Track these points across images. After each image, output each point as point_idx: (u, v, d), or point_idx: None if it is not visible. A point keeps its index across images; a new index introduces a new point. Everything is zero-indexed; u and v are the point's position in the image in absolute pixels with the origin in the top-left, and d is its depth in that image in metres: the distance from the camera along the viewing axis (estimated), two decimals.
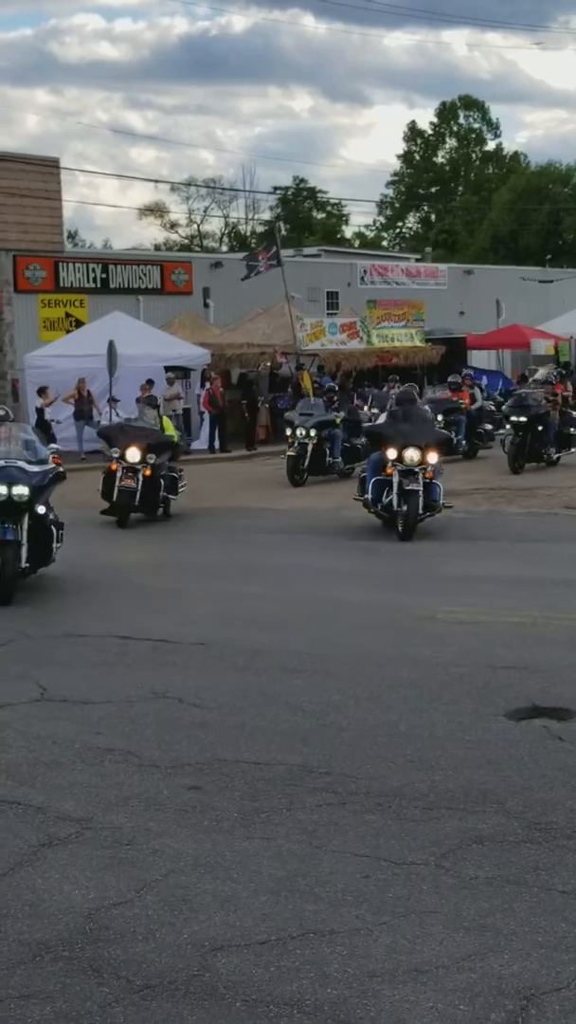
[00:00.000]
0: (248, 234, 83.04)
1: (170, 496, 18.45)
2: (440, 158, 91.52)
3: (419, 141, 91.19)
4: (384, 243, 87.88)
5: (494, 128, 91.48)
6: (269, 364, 33.65)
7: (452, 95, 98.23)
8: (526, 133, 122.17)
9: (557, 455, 24.27)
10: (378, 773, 6.86)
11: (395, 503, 15.57)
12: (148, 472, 17.70)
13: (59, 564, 13.17)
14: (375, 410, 30.42)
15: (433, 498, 15.68)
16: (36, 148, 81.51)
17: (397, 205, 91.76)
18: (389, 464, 15.67)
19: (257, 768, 6.98)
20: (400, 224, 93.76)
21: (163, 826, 6.16)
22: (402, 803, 6.40)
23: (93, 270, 36.33)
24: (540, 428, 23.40)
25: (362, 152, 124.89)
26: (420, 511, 15.53)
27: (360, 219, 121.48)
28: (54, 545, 12.39)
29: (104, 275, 36.42)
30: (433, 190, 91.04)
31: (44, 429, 26.75)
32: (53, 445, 14.40)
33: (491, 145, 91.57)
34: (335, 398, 24.49)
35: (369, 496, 15.88)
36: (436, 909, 5.18)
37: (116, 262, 38.03)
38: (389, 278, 46.65)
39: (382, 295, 42.49)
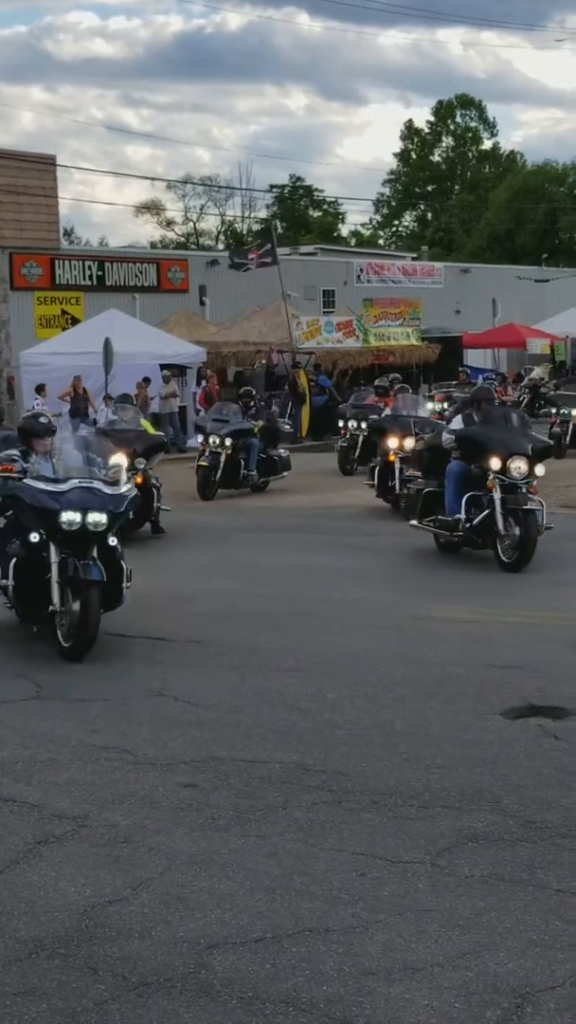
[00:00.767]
0: (244, 232, 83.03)
1: (162, 508, 16.67)
2: (437, 157, 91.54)
3: (416, 140, 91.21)
4: (380, 242, 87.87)
5: (491, 127, 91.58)
6: (264, 362, 33.64)
7: (447, 94, 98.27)
8: (521, 132, 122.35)
9: None
10: (374, 771, 6.87)
11: (500, 525, 13.11)
12: (139, 480, 15.39)
13: None
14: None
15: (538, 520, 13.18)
16: (31, 145, 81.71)
17: (394, 203, 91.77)
18: (491, 478, 13.22)
19: (253, 766, 6.99)
20: (396, 223, 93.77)
21: (159, 824, 6.17)
22: (398, 801, 6.41)
23: (89, 267, 36.29)
24: None
25: (357, 151, 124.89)
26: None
27: (356, 217, 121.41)
28: (124, 585, 9.99)
29: (100, 273, 36.39)
30: (430, 189, 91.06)
31: None
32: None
33: (488, 144, 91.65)
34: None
35: (460, 516, 13.39)
36: (431, 907, 5.19)
37: (112, 260, 37.98)
38: (385, 277, 46.64)
39: (378, 294, 42.47)
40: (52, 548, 9.71)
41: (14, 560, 10.03)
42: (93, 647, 9.59)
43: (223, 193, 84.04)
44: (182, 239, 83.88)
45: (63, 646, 9.64)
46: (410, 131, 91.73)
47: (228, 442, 20.78)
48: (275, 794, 6.55)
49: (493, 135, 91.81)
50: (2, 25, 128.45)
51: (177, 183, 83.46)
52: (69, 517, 9.59)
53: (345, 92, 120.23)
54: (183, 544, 16.10)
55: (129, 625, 10.70)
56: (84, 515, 9.60)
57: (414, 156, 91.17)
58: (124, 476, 10.53)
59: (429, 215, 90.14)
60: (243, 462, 21.20)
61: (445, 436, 14.28)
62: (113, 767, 7.04)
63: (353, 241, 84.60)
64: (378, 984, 4.58)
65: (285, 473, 22.09)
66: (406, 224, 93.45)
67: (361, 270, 45.96)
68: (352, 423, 23.87)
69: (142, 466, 16.02)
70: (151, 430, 18.16)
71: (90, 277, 36.06)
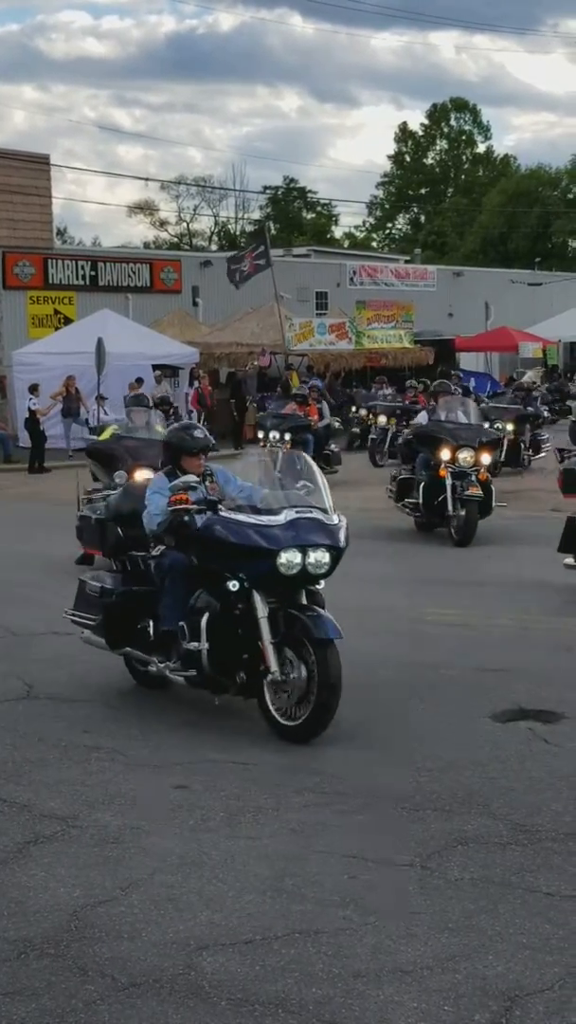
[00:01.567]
0: (237, 233, 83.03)
1: None
2: (431, 160, 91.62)
3: (410, 142, 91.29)
4: (374, 244, 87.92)
5: (485, 130, 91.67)
6: (257, 363, 33.64)
7: (440, 97, 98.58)
8: (514, 136, 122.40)
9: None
10: (364, 774, 6.87)
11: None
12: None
13: (44, 561, 13.12)
14: (362, 411, 30.59)
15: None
16: (23, 144, 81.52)
17: (387, 206, 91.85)
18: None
19: (244, 768, 6.99)
20: (390, 225, 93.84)
21: (149, 825, 6.16)
22: (388, 804, 6.41)
23: (82, 267, 36.25)
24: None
25: (350, 153, 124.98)
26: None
27: (349, 220, 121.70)
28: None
29: (93, 273, 36.34)
30: (423, 191, 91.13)
31: (35, 428, 26.79)
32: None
33: (481, 148, 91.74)
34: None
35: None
36: (421, 910, 5.20)
37: (105, 260, 37.94)
38: (378, 279, 46.65)
39: (371, 296, 42.50)
40: (256, 598, 7.62)
41: (207, 616, 7.79)
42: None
43: (216, 194, 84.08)
44: (175, 240, 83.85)
45: (283, 724, 7.53)
46: (404, 134, 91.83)
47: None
48: (266, 796, 6.55)
49: (487, 138, 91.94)
50: None
51: (171, 183, 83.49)
52: (289, 558, 7.55)
53: (338, 94, 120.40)
54: None
55: None
56: (304, 555, 7.62)
57: (408, 159, 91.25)
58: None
59: (422, 218, 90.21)
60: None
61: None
62: (104, 767, 7.04)
63: (346, 243, 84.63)
64: (367, 986, 4.58)
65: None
66: (399, 227, 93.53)
67: (354, 272, 45.96)
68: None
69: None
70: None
71: (83, 277, 36.02)
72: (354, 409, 31.32)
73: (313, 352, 34.97)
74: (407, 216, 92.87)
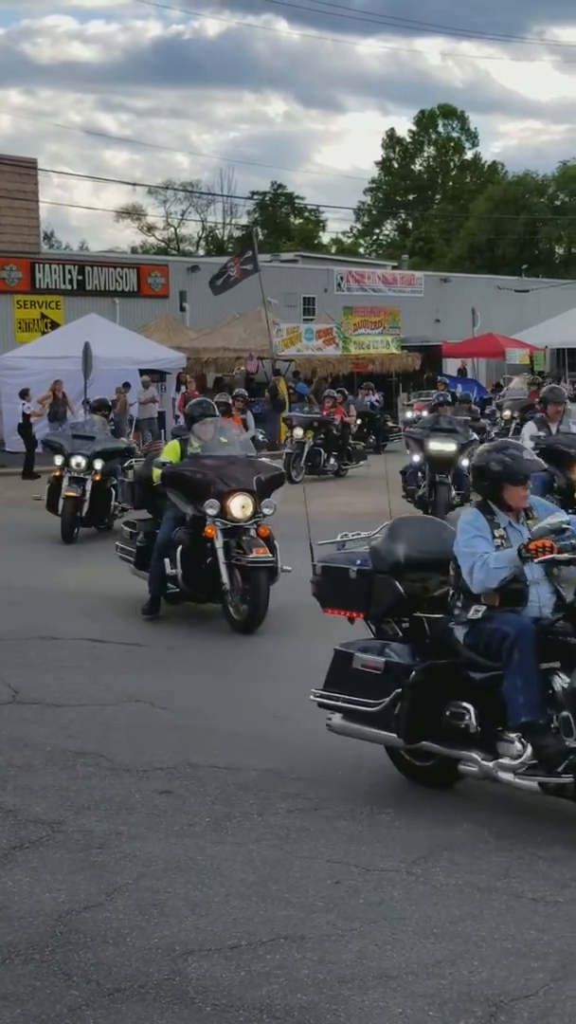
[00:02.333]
0: (225, 238, 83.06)
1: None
2: (418, 166, 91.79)
3: (397, 149, 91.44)
4: (361, 250, 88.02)
5: (472, 137, 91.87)
6: (244, 368, 33.65)
7: (425, 103, 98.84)
8: (500, 143, 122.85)
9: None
10: (350, 779, 6.87)
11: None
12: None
13: (29, 568, 13.11)
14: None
15: None
16: (9, 148, 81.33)
17: (374, 212, 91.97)
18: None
19: (229, 773, 6.98)
20: (377, 231, 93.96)
21: (134, 830, 6.16)
22: (374, 809, 6.41)
23: (69, 272, 36.24)
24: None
25: (336, 158, 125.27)
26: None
27: (336, 225, 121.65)
28: None
29: (80, 277, 36.33)
30: (411, 198, 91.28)
31: (27, 433, 26.72)
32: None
33: (469, 154, 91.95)
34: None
35: None
36: (406, 915, 5.20)
37: (93, 264, 37.93)
38: (366, 285, 46.71)
39: (358, 302, 42.56)
40: None
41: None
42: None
43: (204, 199, 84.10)
44: (163, 244, 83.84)
45: None
46: (392, 140, 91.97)
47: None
48: (251, 801, 6.55)
49: (474, 145, 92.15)
50: None
51: (159, 188, 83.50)
52: None
53: (323, 100, 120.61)
54: None
55: (105, 631, 10.69)
56: None
57: (396, 165, 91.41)
58: None
59: (410, 224, 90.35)
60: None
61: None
62: (89, 773, 7.03)
63: (334, 249, 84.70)
64: (352, 992, 4.58)
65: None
66: (387, 232, 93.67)
67: (342, 278, 46.01)
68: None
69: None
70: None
71: (70, 281, 36.00)
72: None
73: (300, 357, 35.00)
74: (394, 222, 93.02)
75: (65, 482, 16.35)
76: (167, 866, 5.71)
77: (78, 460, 16.34)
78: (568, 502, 12.38)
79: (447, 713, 6.39)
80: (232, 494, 10.71)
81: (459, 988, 4.60)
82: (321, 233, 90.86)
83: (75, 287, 35.90)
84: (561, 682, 6.02)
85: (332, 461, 25.13)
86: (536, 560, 6.15)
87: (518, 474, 6.54)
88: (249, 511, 10.73)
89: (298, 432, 24.80)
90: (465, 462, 16.53)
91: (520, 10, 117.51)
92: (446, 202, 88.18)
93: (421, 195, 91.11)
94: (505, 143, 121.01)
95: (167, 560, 10.98)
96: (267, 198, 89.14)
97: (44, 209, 37.88)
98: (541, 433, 14.10)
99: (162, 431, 29.89)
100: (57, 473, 16.65)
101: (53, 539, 16.00)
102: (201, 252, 79.17)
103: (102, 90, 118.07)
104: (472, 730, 6.30)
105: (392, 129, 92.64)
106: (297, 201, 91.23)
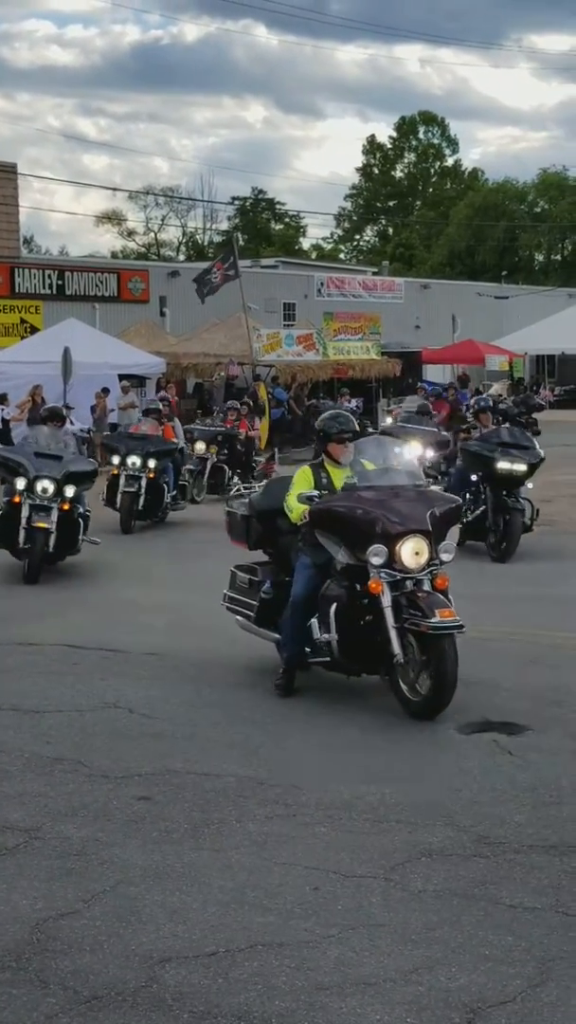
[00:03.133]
0: (206, 244, 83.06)
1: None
2: (399, 172, 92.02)
3: (378, 155, 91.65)
4: (342, 256, 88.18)
5: (453, 144, 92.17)
6: (224, 374, 33.64)
7: (404, 110, 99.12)
8: (479, 150, 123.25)
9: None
10: (328, 785, 6.87)
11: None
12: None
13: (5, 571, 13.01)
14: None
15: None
16: None
17: (355, 218, 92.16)
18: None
19: (207, 779, 6.97)
20: (358, 237, 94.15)
21: (112, 836, 6.14)
22: (352, 816, 6.41)
23: (49, 276, 36.17)
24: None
25: (316, 164, 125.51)
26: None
27: (316, 231, 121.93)
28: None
29: (60, 282, 36.27)
30: (391, 204, 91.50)
31: (5, 438, 26.64)
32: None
33: (450, 161, 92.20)
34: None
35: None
36: (385, 922, 5.20)
37: (73, 269, 37.87)
38: (346, 291, 46.81)
39: (339, 307, 42.63)
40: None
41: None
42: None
43: (184, 204, 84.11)
44: (143, 250, 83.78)
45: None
46: (372, 146, 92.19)
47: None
48: (229, 807, 6.54)
49: (455, 152, 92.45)
50: None
51: (139, 193, 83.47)
52: None
53: (303, 106, 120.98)
54: (140, 555, 16.06)
55: (85, 636, 10.66)
56: None
57: (376, 171, 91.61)
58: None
59: (390, 230, 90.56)
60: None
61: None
62: (67, 779, 7.01)
63: (314, 255, 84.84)
64: (330, 999, 4.58)
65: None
66: (367, 239, 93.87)
67: (322, 284, 46.09)
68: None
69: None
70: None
71: (50, 286, 35.93)
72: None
73: (280, 363, 35.01)
74: (375, 228, 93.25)
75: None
76: (145, 873, 5.70)
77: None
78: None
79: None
80: (403, 536, 8.42)
81: (437, 994, 4.60)
82: (302, 239, 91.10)
83: (55, 292, 35.83)
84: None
85: (236, 479, 21.30)
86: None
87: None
88: (424, 558, 8.43)
89: (200, 447, 22.21)
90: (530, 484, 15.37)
91: (498, 17, 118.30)
92: (426, 208, 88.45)
93: (402, 201, 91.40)
94: (484, 150, 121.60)
95: (314, 622, 8.70)
96: (248, 203, 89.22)
97: (24, 214, 37.69)
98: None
99: None
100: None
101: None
102: (181, 257, 79.21)
103: (81, 95, 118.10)
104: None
105: (373, 135, 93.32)
106: (278, 207, 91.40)
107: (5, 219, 35.09)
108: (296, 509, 8.78)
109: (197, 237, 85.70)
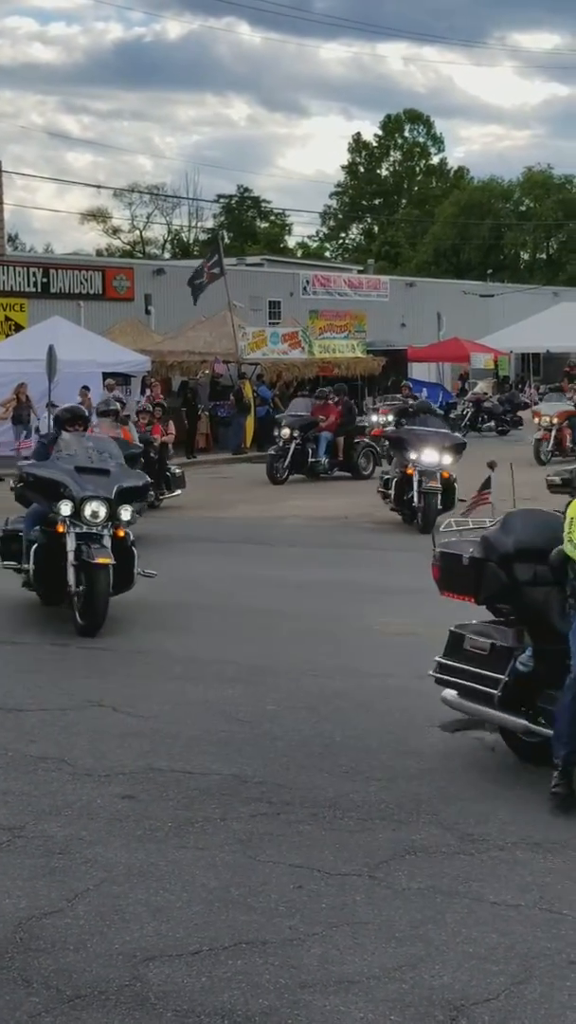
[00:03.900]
0: (191, 242, 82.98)
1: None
2: (384, 171, 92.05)
3: (363, 153, 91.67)
4: (327, 254, 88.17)
5: (438, 142, 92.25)
6: (209, 372, 33.61)
7: (388, 108, 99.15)
8: (463, 148, 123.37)
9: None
10: (312, 783, 6.87)
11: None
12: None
13: None
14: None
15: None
16: None
17: (340, 216, 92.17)
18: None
19: (191, 777, 6.96)
20: (343, 235, 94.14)
21: (96, 835, 6.13)
22: (336, 814, 6.41)
23: (34, 274, 36.09)
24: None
25: (300, 162, 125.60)
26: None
27: (301, 229, 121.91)
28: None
29: (45, 279, 36.20)
30: (377, 202, 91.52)
31: None
32: None
33: (435, 159, 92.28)
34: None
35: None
36: (369, 920, 5.20)
37: (57, 267, 37.79)
38: (331, 289, 46.80)
39: (324, 306, 42.62)
40: None
41: None
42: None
43: (170, 202, 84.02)
44: (128, 247, 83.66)
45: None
46: (358, 144, 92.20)
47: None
48: (213, 806, 6.53)
49: (440, 150, 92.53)
50: None
51: (124, 191, 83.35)
52: None
53: (287, 103, 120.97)
54: None
55: (68, 635, 10.64)
56: None
57: (362, 169, 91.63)
58: None
59: (376, 228, 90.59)
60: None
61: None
62: (51, 778, 6.99)
63: (300, 253, 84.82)
64: (314, 997, 4.57)
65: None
66: (353, 237, 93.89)
67: (307, 282, 46.07)
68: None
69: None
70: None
71: (35, 284, 35.86)
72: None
73: (266, 361, 34.99)
74: (360, 226, 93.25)
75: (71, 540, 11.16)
76: (128, 871, 5.69)
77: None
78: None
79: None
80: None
81: (420, 992, 4.61)
82: (287, 237, 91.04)
83: (39, 289, 35.76)
84: None
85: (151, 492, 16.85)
86: None
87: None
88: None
89: None
90: None
91: (481, 15, 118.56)
92: (412, 207, 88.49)
93: (387, 200, 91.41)
94: (467, 148, 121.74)
95: None
96: (233, 201, 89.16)
97: (7, 211, 37.58)
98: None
99: None
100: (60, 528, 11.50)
101: None
102: (167, 255, 79.09)
103: (64, 92, 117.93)
104: None
105: (358, 133, 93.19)
106: (263, 205, 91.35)
107: None
108: None
109: (182, 235, 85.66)
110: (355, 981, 4.69)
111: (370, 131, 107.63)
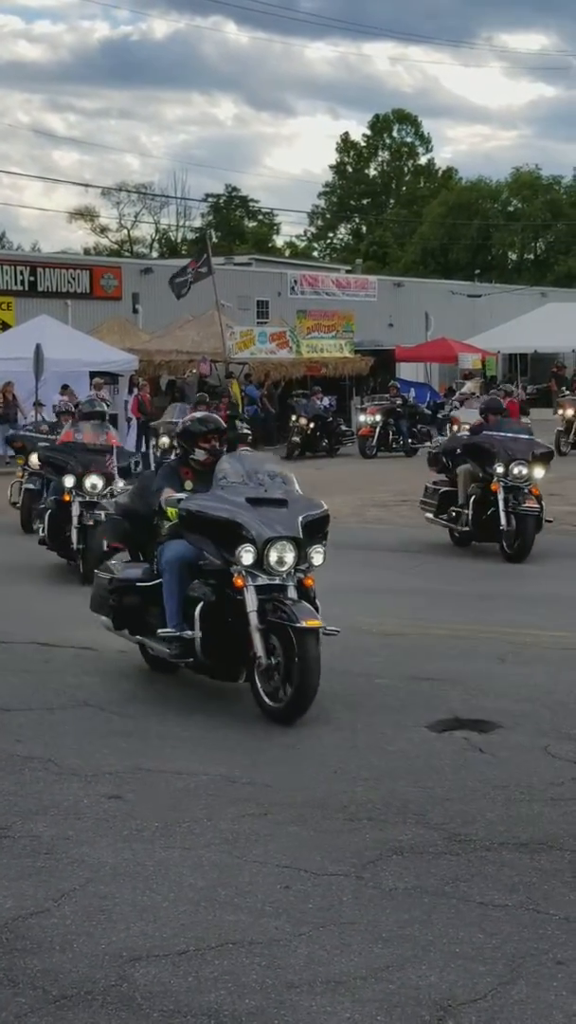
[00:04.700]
0: (179, 241, 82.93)
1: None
2: (372, 171, 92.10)
3: (351, 153, 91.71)
4: (315, 254, 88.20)
5: (426, 142, 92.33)
6: (197, 371, 33.61)
7: (375, 107, 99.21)
8: (449, 148, 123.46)
9: None
10: (300, 784, 6.87)
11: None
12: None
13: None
14: (301, 421, 30.80)
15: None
16: None
17: (328, 216, 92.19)
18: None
19: (178, 777, 6.96)
20: (331, 235, 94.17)
21: (83, 835, 6.11)
22: (323, 814, 6.41)
23: (21, 272, 36.05)
24: None
25: (287, 162, 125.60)
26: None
27: (289, 229, 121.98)
28: None
29: (32, 278, 36.16)
30: (365, 202, 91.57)
31: None
32: None
33: (423, 159, 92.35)
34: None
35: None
36: (355, 920, 5.19)
37: (45, 265, 37.76)
38: (319, 289, 46.81)
39: (312, 305, 42.63)
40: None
41: None
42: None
43: (158, 201, 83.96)
44: (116, 246, 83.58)
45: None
46: (346, 144, 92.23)
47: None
48: (200, 806, 6.52)
49: (428, 150, 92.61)
50: None
51: (112, 190, 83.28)
52: None
53: (274, 103, 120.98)
54: None
55: (55, 634, 10.63)
56: None
57: (350, 169, 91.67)
58: None
59: (364, 228, 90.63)
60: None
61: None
62: (37, 777, 6.98)
63: (288, 252, 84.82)
64: (300, 997, 4.57)
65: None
66: (341, 237, 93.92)
67: (295, 281, 46.08)
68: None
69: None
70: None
71: (22, 282, 35.83)
72: (293, 419, 31.43)
73: (254, 360, 35.00)
74: (348, 226, 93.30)
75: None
76: (115, 871, 5.68)
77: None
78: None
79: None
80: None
81: (407, 992, 4.60)
82: (275, 236, 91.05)
83: (27, 288, 35.73)
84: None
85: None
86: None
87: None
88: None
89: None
90: None
91: (468, 16, 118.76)
92: (400, 207, 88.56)
93: (375, 200, 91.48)
94: (455, 148, 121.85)
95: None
96: (221, 201, 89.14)
97: None
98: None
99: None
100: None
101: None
102: (155, 254, 79.05)
103: (50, 90, 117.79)
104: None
105: (346, 133, 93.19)
106: (251, 204, 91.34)
107: None
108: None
109: (170, 234, 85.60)
110: (342, 981, 4.68)
111: (357, 131, 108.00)
